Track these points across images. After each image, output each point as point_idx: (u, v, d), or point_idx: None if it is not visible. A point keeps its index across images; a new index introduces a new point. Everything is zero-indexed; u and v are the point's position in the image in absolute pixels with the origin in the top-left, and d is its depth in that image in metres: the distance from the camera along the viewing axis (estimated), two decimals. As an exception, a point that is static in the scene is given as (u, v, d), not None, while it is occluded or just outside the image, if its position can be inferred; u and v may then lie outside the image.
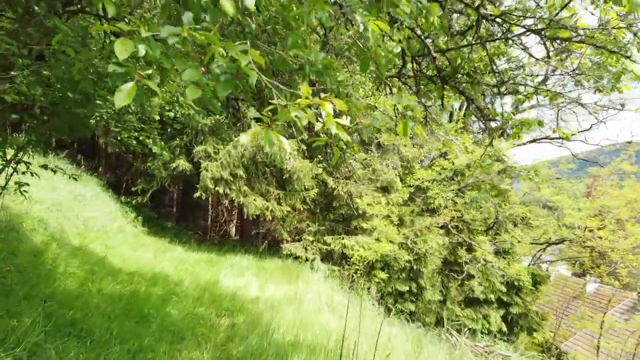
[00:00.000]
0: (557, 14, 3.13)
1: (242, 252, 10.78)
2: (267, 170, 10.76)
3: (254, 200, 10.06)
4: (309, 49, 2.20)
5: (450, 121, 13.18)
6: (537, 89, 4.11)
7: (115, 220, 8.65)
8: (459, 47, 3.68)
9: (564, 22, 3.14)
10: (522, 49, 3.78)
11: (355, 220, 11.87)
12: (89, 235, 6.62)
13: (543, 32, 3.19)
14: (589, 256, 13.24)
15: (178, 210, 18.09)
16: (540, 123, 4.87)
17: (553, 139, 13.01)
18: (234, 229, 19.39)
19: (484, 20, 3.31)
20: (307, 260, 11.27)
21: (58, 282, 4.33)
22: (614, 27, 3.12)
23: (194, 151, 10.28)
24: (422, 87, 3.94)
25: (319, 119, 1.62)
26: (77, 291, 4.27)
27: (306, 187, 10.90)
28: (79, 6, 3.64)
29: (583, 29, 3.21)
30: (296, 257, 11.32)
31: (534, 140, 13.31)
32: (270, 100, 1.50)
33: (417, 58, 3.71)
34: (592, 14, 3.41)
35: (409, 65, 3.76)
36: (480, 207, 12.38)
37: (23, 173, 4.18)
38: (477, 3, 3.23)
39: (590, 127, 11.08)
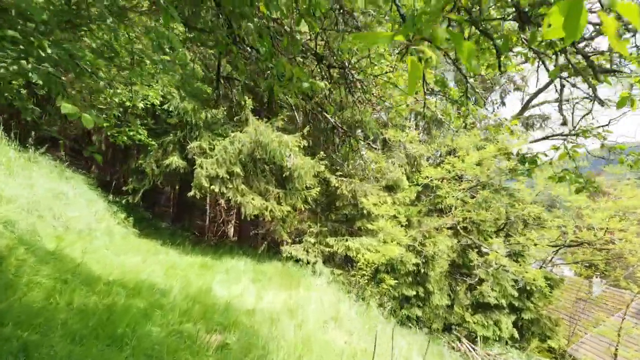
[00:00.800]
0: None
1: (240, 255, 10.14)
2: (266, 168, 10.12)
3: (252, 199, 9.42)
4: None
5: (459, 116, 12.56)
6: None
7: (102, 221, 8.00)
8: None
9: None
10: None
11: (360, 221, 11.23)
12: (67, 237, 5.97)
13: None
14: (604, 259, 12.59)
15: (174, 211, 17.47)
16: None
17: (567, 135, 12.34)
18: (232, 230, 18.76)
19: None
20: (308, 263, 10.63)
21: (19, 294, 3.70)
22: None
23: (188, 147, 9.63)
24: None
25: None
26: (40, 306, 3.63)
27: (308, 185, 10.25)
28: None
29: None
30: (297, 260, 10.68)
31: (546, 137, 12.66)
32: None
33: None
34: None
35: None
36: (490, 207, 11.74)
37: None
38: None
39: (609, 123, 10.37)
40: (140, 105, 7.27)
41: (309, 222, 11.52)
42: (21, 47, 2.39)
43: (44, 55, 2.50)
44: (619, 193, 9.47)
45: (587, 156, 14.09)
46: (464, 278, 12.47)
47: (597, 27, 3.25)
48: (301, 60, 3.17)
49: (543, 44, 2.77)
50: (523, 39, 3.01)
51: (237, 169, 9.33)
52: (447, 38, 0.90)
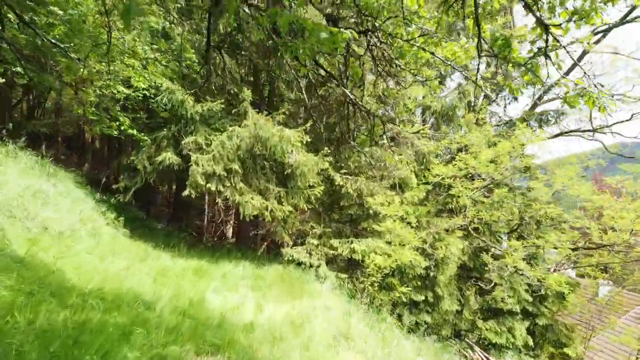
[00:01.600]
0: None
1: (238, 258, 9.50)
2: (267, 165, 9.47)
3: (252, 198, 8.77)
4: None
5: (470, 111, 11.91)
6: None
7: (88, 222, 7.35)
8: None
9: None
10: None
11: (366, 222, 10.58)
12: (44, 241, 5.33)
13: None
14: (622, 262, 11.93)
15: (170, 210, 16.83)
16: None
17: (584, 131, 11.72)
18: (230, 230, 18.12)
19: None
20: (311, 266, 9.98)
21: (-32, 312, 3.06)
22: None
23: (183, 142, 8.98)
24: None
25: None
26: (-8, 326, 2.99)
27: (311, 184, 9.60)
28: None
29: None
30: (299, 263, 10.04)
31: (561, 134, 12.02)
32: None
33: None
34: None
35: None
36: (502, 207, 11.10)
37: None
38: None
39: (631, 117, 9.77)
40: (122, 89, 6.58)
41: (312, 223, 10.87)
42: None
43: None
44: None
45: (604, 154, 13.34)
46: (476, 282, 11.83)
47: None
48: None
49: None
50: None
51: (236, 166, 8.69)
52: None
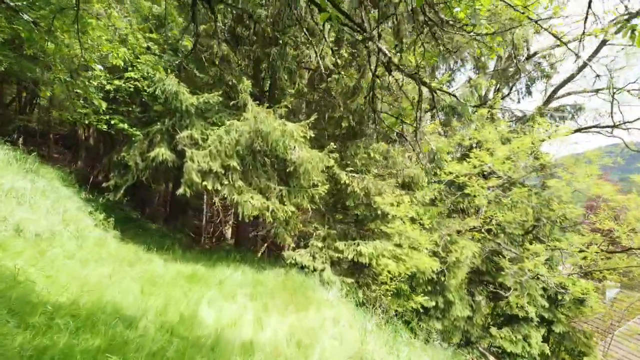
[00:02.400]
0: None
1: (237, 262, 8.86)
2: (268, 162, 8.81)
3: (251, 198, 8.12)
4: None
5: (483, 103, 11.24)
6: None
7: (72, 223, 6.70)
8: None
9: None
10: None
11: (373, 223, 9.93)
12: (14, 245, 4.69)
13: None
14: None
15: (166, 210, 16.19)
16: None
17: (604, 127, 11.07)
18: (229, 231, 17.48)
19: None
20: (314, 270, 9.34)
21: None
22: None
23: (177, 137, 8.34)
24: None
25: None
26: None
27: (315, 182, 8.95)
28: None
29: None
30: (302, 267, 9.40)
31: (579, 129, 11.38)
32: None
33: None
34: None
35: None
36: (517, 207, 10.46)
37: None
38: None
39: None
40: (96, 65, 5.91)
41: (315, 224, 10.21)
42: None
43: None
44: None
45: (623, 151, 12.62)
46: (488, 287, 11.20)
47: None
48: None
49: None
50: None
51: (234, 163, 8.04)
52: None
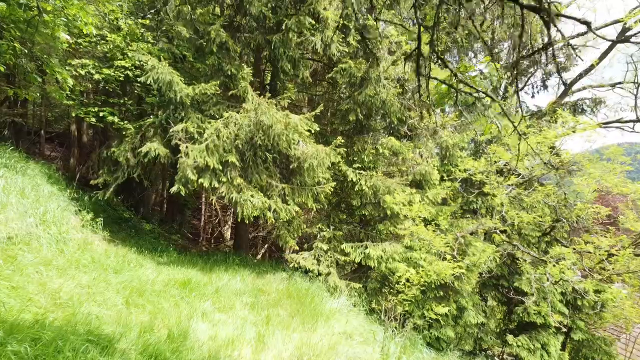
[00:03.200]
0: None
1: (236, 265, 8.22)
2: (269, 157, 8.16)
3: (251, 196, 7.47)
4: None
5: (502, 98, 10.63)
6: None
7: (54, 224, 6.05)
8: None
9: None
10: None
11: (382, 223, 9.30)
12: (-24, 251, 4.04)
13: None
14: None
15: (162, 209, 15.53)
16: None
17: (625, 122, 10.44)
18: (228, 231, 16.83)
19: None
20: (319, 274, 8.72)
21: None
22: None
23: (171, 130, 7.69)
24: None
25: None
26: None
27: (320, 180, 8.32)
28: None
29: None
30: (306, 271, 8.77)
31: (600, 125, 10.73)
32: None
33: None
34: None
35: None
36: (534, 207, 9.82)
37: None
38: None
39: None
40: (64, 37, 5.21)
41: (320, 225, 9.57)
42: None
43: None
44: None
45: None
46: (502, 291, 10.56)
47: None
48: None
49: None
50: None
51: (233, 158, 7.39)
52: None
